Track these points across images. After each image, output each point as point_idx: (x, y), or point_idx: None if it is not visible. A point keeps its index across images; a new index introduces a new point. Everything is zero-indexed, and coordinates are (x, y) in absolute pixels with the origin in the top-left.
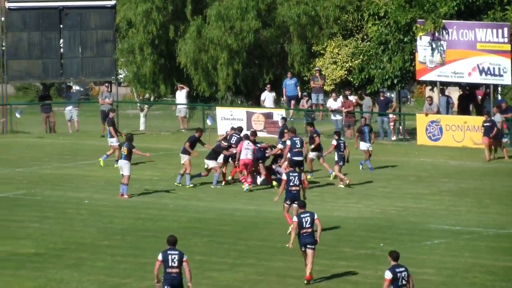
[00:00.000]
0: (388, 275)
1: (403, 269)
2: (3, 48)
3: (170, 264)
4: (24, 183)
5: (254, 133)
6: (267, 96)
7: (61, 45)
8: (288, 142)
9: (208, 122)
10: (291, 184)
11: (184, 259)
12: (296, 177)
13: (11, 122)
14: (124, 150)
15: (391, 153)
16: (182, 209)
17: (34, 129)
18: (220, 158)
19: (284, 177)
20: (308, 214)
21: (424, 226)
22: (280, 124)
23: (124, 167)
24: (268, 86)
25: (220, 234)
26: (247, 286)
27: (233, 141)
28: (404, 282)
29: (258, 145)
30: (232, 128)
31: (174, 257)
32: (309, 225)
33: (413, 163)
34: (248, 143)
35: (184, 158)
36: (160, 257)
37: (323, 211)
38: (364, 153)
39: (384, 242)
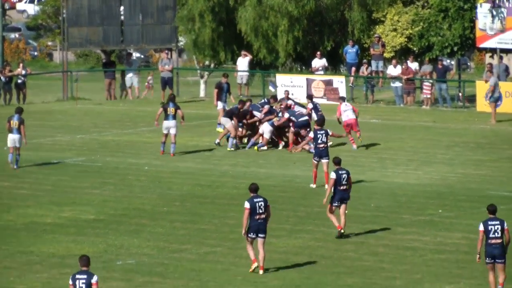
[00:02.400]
0: (480, 227)
1: (497, 222)
2: (64, 15)
3: (257, 211)
4: (84, 150)
5: (275, 98)
6: (318, 63)
7: (122, 12)
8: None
9: (271, 88)
10: (319, 141)
11: (268, 204)
12: (324, 135)
13: (71, 88)
14: (172, 110)
15: (451, 120)
16: (242, 176)
17: (95, 96)
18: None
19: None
20: (345, 172)
21: (484, 193)
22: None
23: (173, 126)
24: (318, 53)
25: (280, 200)
26: (306, 252)
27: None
28: (497, 234)
29: (260, 108)
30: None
31: (261, 204)
32: (345, 182)
33: (473, 129)
34: (346, 104)
35: (228, 123)
36: (247, 205)
37: (383, 177)
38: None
39: (443, 209)
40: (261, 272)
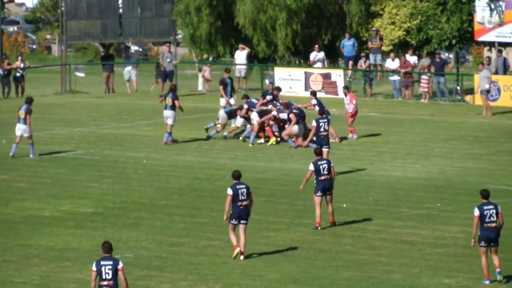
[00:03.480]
0: (476, 212)
1: (491, 206)
2: (62, 8)
3: (240, 198)
4: (83, 143)
5: (278, 89)
6: (316, 56)
7: (120, 5)
8: (314, 123)
9: (267, 81)
10: (321, 130)
11: (250, 190)
12: (326, 123)
13: (69, 82)
14: (169, 100)
15: (449, 113)
16: (240, 169)
17: (93, 89)
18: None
19: (311, 167)
20: (325, 161)
21: (482, 186)
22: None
23: (170, 117)
24: (316, 46)
25: (278, 194)
26: (305, 245)
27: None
28: (492, 219)
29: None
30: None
31: (243, 191)
32: (327, 172)
33: (471, 123)
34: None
35: (223, 120)
36: (230, 191)
37: (381, 170)
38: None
39: (441, 202)
40: (241, 258)
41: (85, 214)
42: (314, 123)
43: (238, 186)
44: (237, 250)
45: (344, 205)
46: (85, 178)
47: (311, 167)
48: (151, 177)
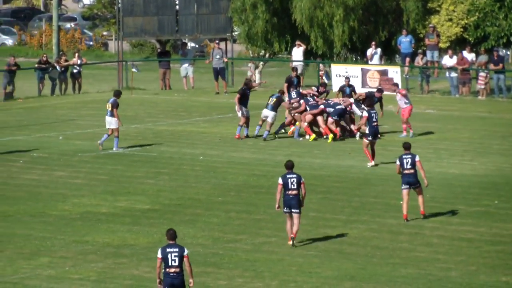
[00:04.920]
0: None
1: (409, 156)
2: (119, 5)
3: (289, 187)
4: (139, 139)
5: (324, 86)
6: (373, 53)
7: (177, 2)
8: (365, 114)
9: (325, 79)
10: (373, 120)
11: (302, 181)
12: (375, 114)
13: (126, 78)
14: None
15: (506, 110)
16: (296, 166)
17: (149, 86)
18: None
19: (279, 181)
20: (410, 156)
21: None
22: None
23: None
24: (373, 43)
25: (334, 190)
26: (361, 242)
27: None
28: (409, 166)
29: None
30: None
31: (293, 180)
32: (411, 166)
33: None
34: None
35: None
36: (280, 180)
37: (438, 167)
38: None
39: (499, 200)
40: (290, 243)
41: (141, 211)
42: (365, 113)
43: (288, 176)
44: (290, 242)
45: (401, 202)
46: (142, 174)
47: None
48: (208, 174)
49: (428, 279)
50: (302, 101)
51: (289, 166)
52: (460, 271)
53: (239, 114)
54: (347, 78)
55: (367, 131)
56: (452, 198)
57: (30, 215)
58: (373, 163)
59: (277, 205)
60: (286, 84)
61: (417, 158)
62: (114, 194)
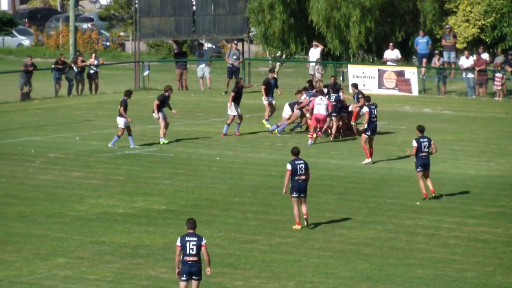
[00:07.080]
0: (414, 143)
1: (425, 139)
2: (136, 5)
3: (298, 173)
4: (156, 140)
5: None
6: (390, 54)
7: (194, 2)
8: (366, 109)
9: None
10: (373, 115)
11: (308, 166)
12: (375, 109)
13: (143, 79)
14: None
15: None
16: (313, 167)
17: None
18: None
19: (288, 166)
20: (426, 140)
21: None
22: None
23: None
24: (391, 44)
25: (351, 191)
26: (378, 243)
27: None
28: (426, 149)
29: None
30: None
31: (301, 166)
32: (427, 150)
33: None
34: (321, 99)
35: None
36: (289, 166)
37: (455, 168)
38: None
39: None
40: (297, 227)
41: (158, 211)
42: (366, 109)
43: (296, 162)
44: (298, 227)
45: (418, 203)
46: (158, 175)
47: (414, 143)
48: (225, 174)
49: (444, 280)
50: (306, 96)
51: (296, 152)
52: (476, 272)
53: (229, 111)
54: (333, 76)
55: (365, 126)
56: (469, 199)
57: (47, 215)
58: (370, 160)
59: (284, 190)
60: (264, 87)
61: (432, 141)
62: (131, 195)
